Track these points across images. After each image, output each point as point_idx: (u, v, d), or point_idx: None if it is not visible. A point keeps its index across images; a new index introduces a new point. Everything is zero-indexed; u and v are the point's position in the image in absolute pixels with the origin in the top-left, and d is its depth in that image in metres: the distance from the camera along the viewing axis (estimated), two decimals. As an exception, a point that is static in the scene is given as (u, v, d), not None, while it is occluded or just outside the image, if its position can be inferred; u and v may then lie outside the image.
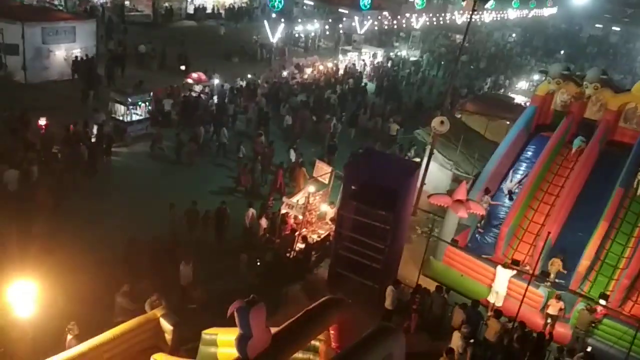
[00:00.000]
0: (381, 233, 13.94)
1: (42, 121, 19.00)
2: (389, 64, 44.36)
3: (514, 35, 72.73)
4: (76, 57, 28.00)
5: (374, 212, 13.92)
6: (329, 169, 17.99)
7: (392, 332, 7.17)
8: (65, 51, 28.05)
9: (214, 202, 17.52)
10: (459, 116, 25.86)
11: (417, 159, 23.69)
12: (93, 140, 20.00)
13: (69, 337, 10.50)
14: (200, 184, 20.44)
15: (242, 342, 6.46)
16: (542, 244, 14.06)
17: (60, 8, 38.46)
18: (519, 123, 19.61)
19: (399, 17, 54.14)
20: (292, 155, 22.49)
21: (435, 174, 20.47)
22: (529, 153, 19.09)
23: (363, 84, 37.43)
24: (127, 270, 13.47)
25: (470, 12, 21.26)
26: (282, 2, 34.81)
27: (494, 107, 25.80)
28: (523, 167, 18.69)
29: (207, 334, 10.10)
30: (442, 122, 17.66)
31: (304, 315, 7.40)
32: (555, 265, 15.13)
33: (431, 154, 18.32)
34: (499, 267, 15.11)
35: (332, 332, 8.07)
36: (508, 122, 24.19)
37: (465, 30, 20.97)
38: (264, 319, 6.62)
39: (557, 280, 14.88)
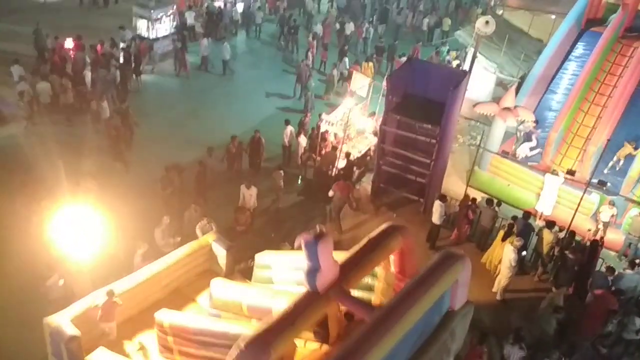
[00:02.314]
0: (426, 147, 13.52)
1: (69, 44, 18.36)
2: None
3: None
4: None
5: (418, 126, 13.42)
6: (366, 79, 17.26)
7: (458, 259, 6.98)
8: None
9: (251, 120, 17.18)
10: (500, 12, 24.19)
11: (457, 62, 22.62)
12: (121, 60, 19.43)
13: (138, 252, 10.87)
14: (235, 100, 20.00)
15: (311, 275, 6.36)
16: (596, 149, 13.50)
17: None
18: (568, 18, 18.19)
19: None
20: (346, 63, 21.84)
21: (478, 78, 19.45)
22: (580, 51, 17.87)
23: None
24: (172, 196, 13.47)
25: None
26: None
27: (540, 1, 23.98)
28: (573, 66, 17.58)
29: (261, 257, 10.19)
30: (487, 23, 16.37)
31: (368, 244, 7.25)
32: (627, 148, 14.63)
33: (474, 57, 17.23)
34: (548, 175, 14.71)
35: (392, 257, 7.96)
36: (554, 17, 22.65)
37: None
38: (331, 251, 6.48)
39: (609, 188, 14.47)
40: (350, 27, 25.53)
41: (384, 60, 23.77)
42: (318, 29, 24.97)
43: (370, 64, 21.63)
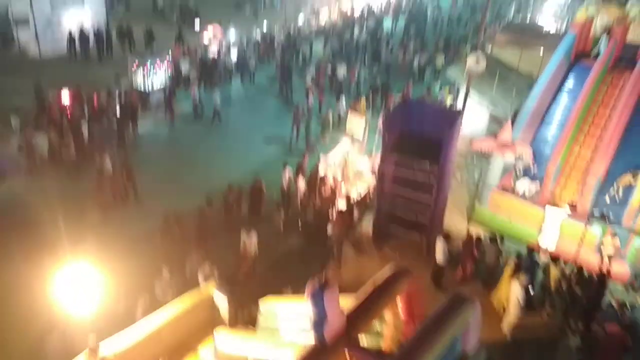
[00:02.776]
0: (425, 185, 13.52)
1: (66, 100, 18.51)
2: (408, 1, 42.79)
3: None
4: (70, 32, 26.51)
5: (416, 165, 13.45)
6: (362, 119, 17.37)
7: (467, 302, 6.83)
8: (76, 14, 27.24)
9: (249, 164, 17.12)
10: (489, 49, 24.66)
11: (449, 96, 22.89)
12: (118, 111, 19.55)
13: (139, 304, 10.72)
14: (232, 145, 20.08)
15: (318, 326, 6.20)
16: (595, 181, 13.49)
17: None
18: (558, 53, 18.45)
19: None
20: (343, 102, 22.21)
21: (472, 113, 19.68)
22: (571, 84, 18.08)
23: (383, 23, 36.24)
24: (172, 245, 13.30)
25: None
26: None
27: (527, 36, 24.50)
28: (565, 99, 17.75)
29: (265, 304, 9.99)
30: (477, 61, 16.69)
31: (374, 290, 7.11)
32: (626, 178, 14.57)
33: (467, 95, 17.49)
34: (549, 208, 14.65)
35: (399, 301, 7.79)
36: (542, 48, 23.05)
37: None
38: (338, 300, 6.34)
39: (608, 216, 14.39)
40: (342, 70, 25.88)
41: (379, 97, 24.08)
42: (313, 71, 25.36)
43: (363, 99, 21.94)
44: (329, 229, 13.81)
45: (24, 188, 15.87)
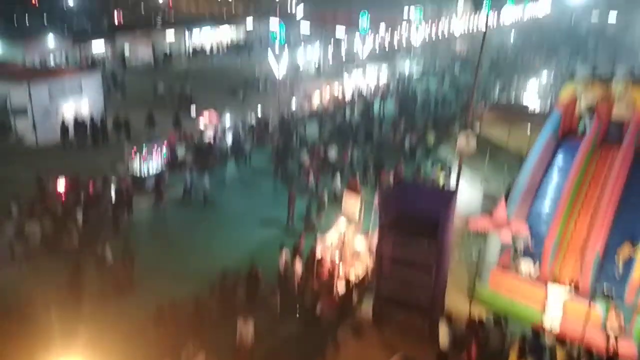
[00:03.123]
0: (424, 266, 13.40)
1: (62, 187, 18.60)
2: (396, 83, 44.45)
3: (511, 38, 72.93)
4: (62, 121, 27.12)
5: (414, 244, 13.39)
6: (357, 199, 17.42)
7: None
8: (74, 104, 27.93)
9: (245, 247, 16.90)
10: (477, 127, 25.31)
11: (442, 174, 23.13)
12: (113, 198, 19.57)
13: None
14: (228, 229, 19.98)
15: None
16: (594, 257, 13.38)
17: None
18: (545, 130, 18.95)
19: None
20: (338, 181, 22.51)
21: (465, 191, 19.86)
22: (561, 161, 18.42)
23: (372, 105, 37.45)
24: (166, 336, 12.87)
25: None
26: (284, 35, 35.26)
27: (513, 114, 25.33)
28: (557, 175, 18.01)
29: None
30: (467, 141, 17.06)
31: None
32: (625, 250, 14.40)
33: (459, 174, 17.76)
34: (550, 286, 14.45)
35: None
36: (529, 126, 23.65)
37: (483, 36, 19.61)
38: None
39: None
40: (333, 152, 26.12)
41: (372, 176, 24.32)
42: (308, 153, 25.81)
43: (357, 178, 22.09)
44: (318, 310, 13.46)
45: (18, 276, 15.58)
